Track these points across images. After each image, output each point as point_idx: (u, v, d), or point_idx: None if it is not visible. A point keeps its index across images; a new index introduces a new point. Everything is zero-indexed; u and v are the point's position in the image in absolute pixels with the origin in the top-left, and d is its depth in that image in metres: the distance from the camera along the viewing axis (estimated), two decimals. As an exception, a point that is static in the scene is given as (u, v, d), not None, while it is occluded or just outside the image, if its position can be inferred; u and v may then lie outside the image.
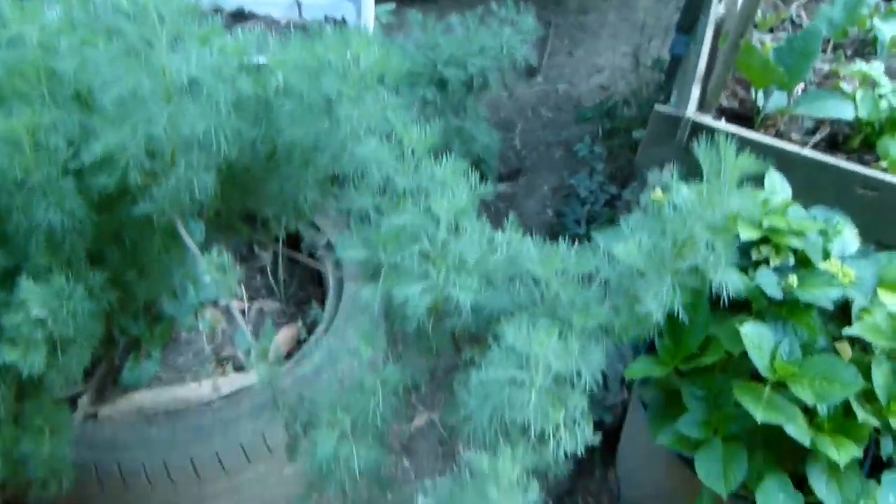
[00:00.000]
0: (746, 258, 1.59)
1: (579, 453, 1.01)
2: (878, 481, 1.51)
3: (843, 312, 1.64)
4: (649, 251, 0.98)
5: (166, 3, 1.12)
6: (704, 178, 0.91)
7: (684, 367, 1.64)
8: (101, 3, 1.32)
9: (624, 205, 2.61)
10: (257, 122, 1.21)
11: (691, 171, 1.06)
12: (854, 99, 2.04)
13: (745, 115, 2.16)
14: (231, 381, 1.89)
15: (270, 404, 1.75)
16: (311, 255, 2.16)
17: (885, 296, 1.56)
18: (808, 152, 1.91)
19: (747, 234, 1.55)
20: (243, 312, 2.09)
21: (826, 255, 1.59)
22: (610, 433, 2.13)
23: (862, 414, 1.49)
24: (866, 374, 1.49)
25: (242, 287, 2.15)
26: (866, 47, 2.46)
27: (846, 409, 1.54)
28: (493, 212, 2.88)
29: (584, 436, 1.00)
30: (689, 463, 1.66)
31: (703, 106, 1.98)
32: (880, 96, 2.04)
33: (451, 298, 0.96)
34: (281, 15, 2.58)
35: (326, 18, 2.54)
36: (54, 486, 1.47)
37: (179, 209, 1.16)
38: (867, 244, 1.69)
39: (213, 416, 1.74)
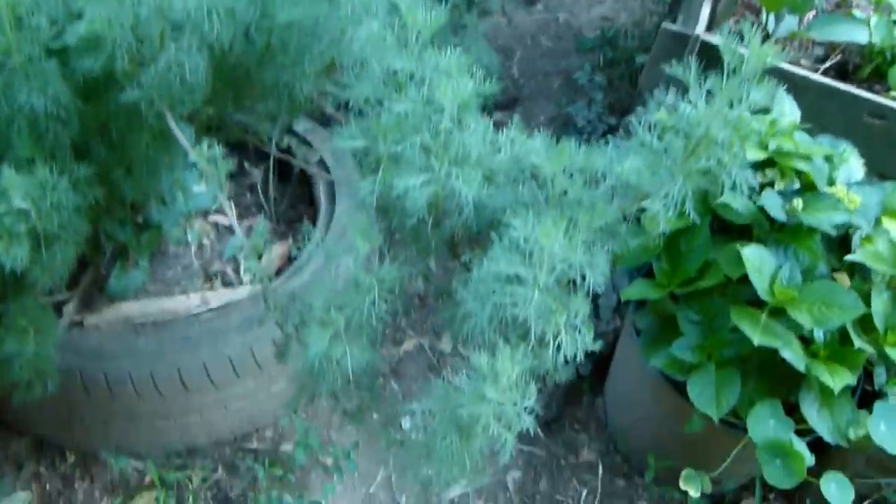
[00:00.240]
0: (751, 180, 1.56)
1: (577, 362, 0.98)
2: (870, 411, 1.51)
3: (842, 245, 1.62)
4: (659, 151, 0.94)
5: None
6: (725, 72, 0.86)
7: (681, 290, 1.62)
8: None
9: (624, 136, 2.56)
10: (252, 2, 1.14)
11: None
12: (868, 24, 1.99)
13: (753, 41, 2.10)
14: (220, 295, 1.86)
15: (260, 316, 1.74)
16: (303, 172, 2.11)
17: (889, 223, 1.53)
18: (817, 77, 1.87)
19: (753, 154, 1.52)
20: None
21: (831, 182, 1.57)
22: (600, 361, 2.13)
23: (858, 341, 1.48)
24: (865, 302, 1.47)
25: (232, 204, 2.11)
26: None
27: (842, 338, 1.53)
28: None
29: (584, 343, 0.97)
30: (679, 388, 1.66)
31: (711, 26, 1.92)
32: (895, 22, 1.99)
33: (452, 193, 0.92)
34: None
35: None
36: (39, 388, 1.46)
37: (169, 99, 1.10)
38: (871, 176, 1.67)
39: (200, 327, 1.71)
